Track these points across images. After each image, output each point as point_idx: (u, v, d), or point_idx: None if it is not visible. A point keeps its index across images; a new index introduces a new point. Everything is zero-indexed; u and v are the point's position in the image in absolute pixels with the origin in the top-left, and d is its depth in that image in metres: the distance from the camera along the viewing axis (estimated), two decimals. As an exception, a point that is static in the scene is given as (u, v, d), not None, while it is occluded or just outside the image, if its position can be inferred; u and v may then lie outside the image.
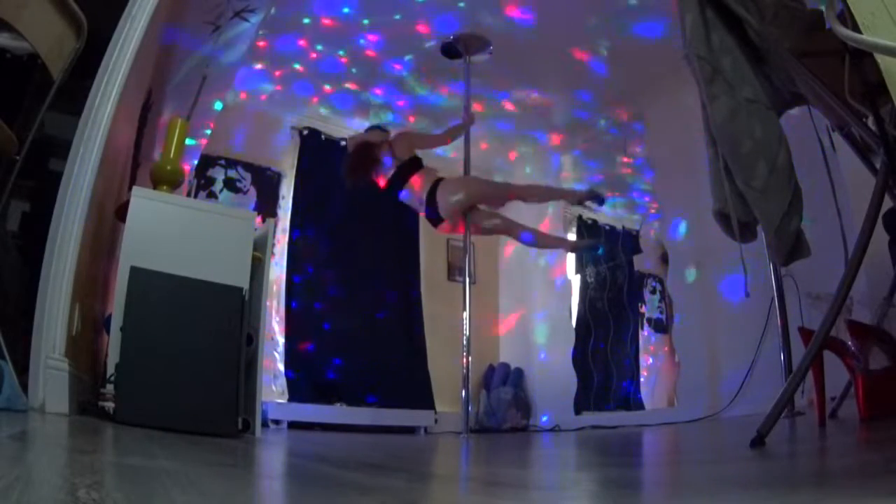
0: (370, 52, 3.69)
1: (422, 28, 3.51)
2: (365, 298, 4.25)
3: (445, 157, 4.51)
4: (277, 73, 3.88)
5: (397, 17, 3.42)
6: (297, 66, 3.82)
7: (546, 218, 4.55)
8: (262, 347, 2.19)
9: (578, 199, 3.66)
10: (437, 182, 3.35)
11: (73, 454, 0.93)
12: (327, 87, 4.05)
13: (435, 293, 4.40)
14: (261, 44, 3.55)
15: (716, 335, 3.28)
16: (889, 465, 0.93)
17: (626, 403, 3.94)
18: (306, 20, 3.44)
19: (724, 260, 3.18)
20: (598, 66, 3.73)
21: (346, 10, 3.36)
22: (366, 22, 3.44)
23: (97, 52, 1.98)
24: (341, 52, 3.70)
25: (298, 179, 4.23)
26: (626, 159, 4.38)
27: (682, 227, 3.60)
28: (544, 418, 4.12)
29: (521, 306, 4.62)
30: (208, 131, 3.47)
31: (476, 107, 3.94)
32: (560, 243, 4.00)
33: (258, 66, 3.79)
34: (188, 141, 2.57)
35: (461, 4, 3.33)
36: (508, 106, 4.22)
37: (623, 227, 4.37)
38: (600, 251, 3.94)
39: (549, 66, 3.78)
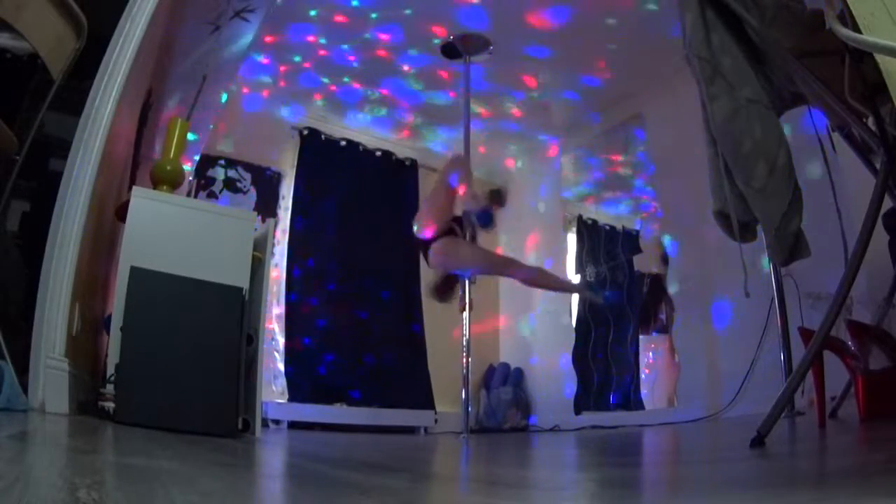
0: (370, 52, 3.69)
1: (422, 28, 3.51)
2: (365, 298, 4.26)
3: (445, 157, 4.50)
4: (277, 73, 3.88)
5: (396, 17, 3.41)
6: (298, 67, 3.82)
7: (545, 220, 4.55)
8: (262, 347, 2.19)
9: (577, 292, 3.93)
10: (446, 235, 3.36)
11: (73, 454, 0.93)
12: (328, 88, 4.05)
13: (435, 293, 4.39)
14: (261, 44, 3.54)
15: (716, 335, 3.28)
16: (889, 465, 0.93)
17: (626, 403, 3.93)
18: (306, 20, 3.44)
19: (724, 259, 3.18)
20: (599, 65, 3.73)
21: (349, 7, 3.36)
22: (368, 20, 3.44)
23: (97, 52, 1.98)
24: (342, 52, 3.69)
25: (298, 179, 4.23)
26: (625, 158, 4.38)
27: (682, 227, 3.60)
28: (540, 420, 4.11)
29: (521, 306, 4.62)
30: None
31: (476, 107, 3.95)
32: (563, 286, 4.06)
33: (258, 66, 3.79)
34: (190, 136, 2.56)
35: (460, 4, 3.33)
36: (508, 106, 4.22)
37: (623, 227, 4.36)
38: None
39: (548, 66, 3.77)
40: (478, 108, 4.10)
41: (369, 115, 4.36)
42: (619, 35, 3.43)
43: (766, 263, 2.75)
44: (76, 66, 2.04)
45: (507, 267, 3.65)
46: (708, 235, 3.23)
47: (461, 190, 3.35)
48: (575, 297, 4.32)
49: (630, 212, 4.40)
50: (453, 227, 3.47)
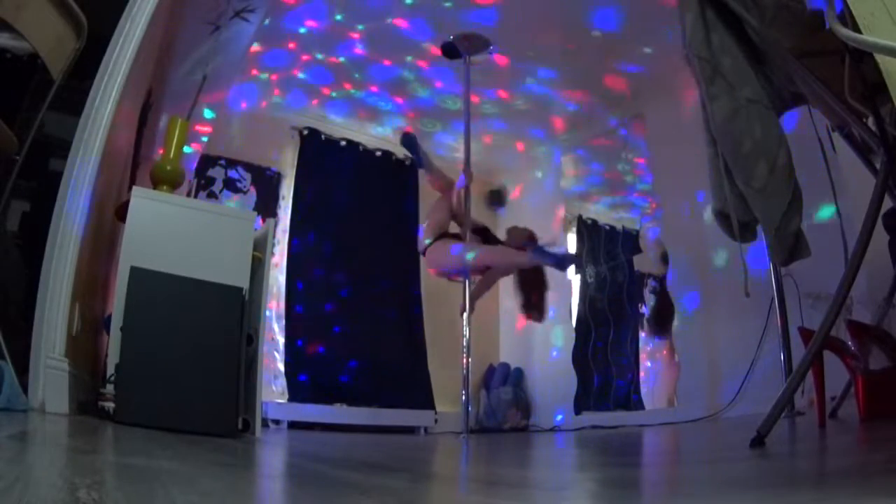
0: (370, 52, 3.69)
1: (422, 27, 3.51)
2: (365, 298, 4.26)
3: (446, 157, 4.51)
4: (278, 73, 3.87)
5: (397, 16, 3.41)
6: (298, 67, 3.82)
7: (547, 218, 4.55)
8: (262, 347, 2.19)
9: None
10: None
11: (73, 454, 0.93)
12: (328, 87, 4.05)
13: (435, 293, 4.39)
14: (261, 44, 3.54)
15: (716, 335, 3.28)
16: (889, 465, 0.93)
17: (626, 403, 3.93)
18: (306, 21, 3.43)
19: (724, 259, 3.18)
20: (599, 65, 3.73)
21: (348, 8, 3.36)
22: (367, 21, 3.44)
23: (97, 52, 1.98)
24: (342, 52, 3.69)
25: (298, 179, 4.23)
26: (626, 157, 4.38)
27: (682, 227, 3.60)
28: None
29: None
30: (205, 139, 3.50)
31: (476, 107, 3.95)
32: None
33: (258, 66, 3.78)
34: (185, 149, 2.58)
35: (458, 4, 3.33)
36: (508, 106, 4.22)
37: (623, 227, 4.36)
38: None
39: (549, 66, 3.77)
40: (478, 108, 4.09)
41: (369, 115, 4.35)
42: (620, 34, 3.43)
43: (766, 263, 2.75)
44: (76, 66, 2.03)
45: (495, 256, 3.68)
46: (708, 235, 3.23)
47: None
48: (575, 298, 4.32)
49: (630, 212, 4.40)
50: (448, 232, 3.56)
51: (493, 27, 3.46)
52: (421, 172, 4.57)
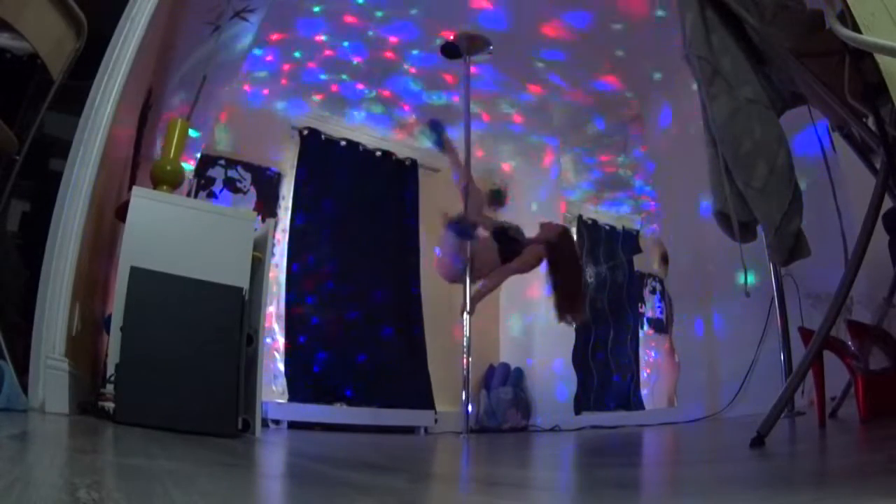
0: (370, 53, 3.69)
1: (421, 28, 3.51)
2: (365, 298, 4.25)
3: (445, 157, 4.50)
4: (278, 73, 3.88)
5: (396, 16, 3.41)
6: (298, 67, 3.82)
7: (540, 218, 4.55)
8: (262, 347, 2.18)
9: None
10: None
11: (73, 454, 0.93)
12: (328, 88, 4.05)
13: (435, 293, 4.39)
14: (261, 43, 3.54)
15: (716, 335, 3.28)
16: (889, 465, 0.93)
17: (626, 403, 3.94)
18: (306, 21, 3.44)
19: (724, 260, 3.18)
20: (598, 66, 3.73)
21: (348, 8, 3.36)
22: (366, 21, 3.44)
23: (97, 52, 1.98)
24: (342, 52, 3.69)
25: (298, 179, 4.23)
26: (625, 158, 4.38)
27: (682, 227, 3.60)
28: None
29: (521, 306, 4.62)
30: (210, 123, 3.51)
31: (476, 107, 3.95)
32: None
33: (258, 66, 3.79)
34: (192, 132, 2.56)
35: (461, 3, 3.34)
36: (508, 106, 4.22)
37: (623, 227, 4.36)
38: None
39: (549, 66, 3.77)
40: (478, 109, 4.09)
41: (370, 115, 4.35)
42: (619, 35, 3.43)
43: (766, 263, 2.75)
44: (76, 66, 2.03)
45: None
46: (708, 235, 3.23)
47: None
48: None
49: (630, 212, 4.40)
50: None
51: (493, 28, 3.46)
52: (422, 172, 4.58)
